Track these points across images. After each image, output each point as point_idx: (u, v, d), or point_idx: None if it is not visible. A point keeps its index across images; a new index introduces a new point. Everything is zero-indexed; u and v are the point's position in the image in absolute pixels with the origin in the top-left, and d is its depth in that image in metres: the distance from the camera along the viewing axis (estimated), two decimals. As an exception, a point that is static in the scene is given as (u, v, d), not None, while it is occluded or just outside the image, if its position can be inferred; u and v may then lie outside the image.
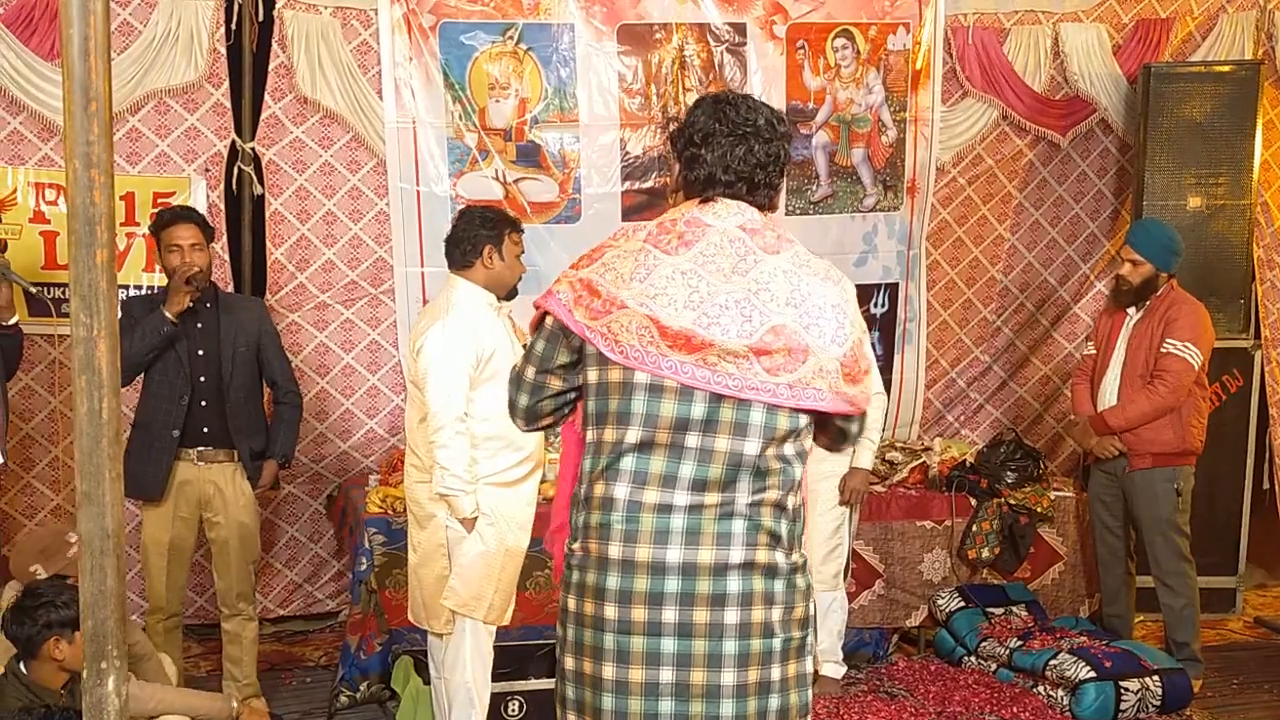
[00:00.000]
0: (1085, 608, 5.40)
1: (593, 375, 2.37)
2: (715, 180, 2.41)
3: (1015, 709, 4.59)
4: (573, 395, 2.47)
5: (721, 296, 2.28)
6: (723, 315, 2.27)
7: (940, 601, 5.21)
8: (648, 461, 2.32)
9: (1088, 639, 4.90)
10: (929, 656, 5.24)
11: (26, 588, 3.80)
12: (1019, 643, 4.89)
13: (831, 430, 2.41)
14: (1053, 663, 4.69)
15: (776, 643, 2.33)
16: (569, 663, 2.42)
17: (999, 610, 5.15)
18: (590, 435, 2.41)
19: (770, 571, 2.32)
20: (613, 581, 2.33)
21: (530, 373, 2.45)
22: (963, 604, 5.15)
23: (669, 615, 2.30)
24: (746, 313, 2.27)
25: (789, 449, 2.34)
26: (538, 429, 2.55)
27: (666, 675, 2.31)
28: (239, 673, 4.59)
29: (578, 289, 2.38)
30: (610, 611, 2.33)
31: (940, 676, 4.93)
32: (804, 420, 2.34)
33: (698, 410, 2.29)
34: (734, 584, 2.30)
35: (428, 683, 4.17)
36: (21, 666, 3.58)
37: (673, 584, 2.30)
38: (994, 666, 4.92)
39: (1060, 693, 4.64)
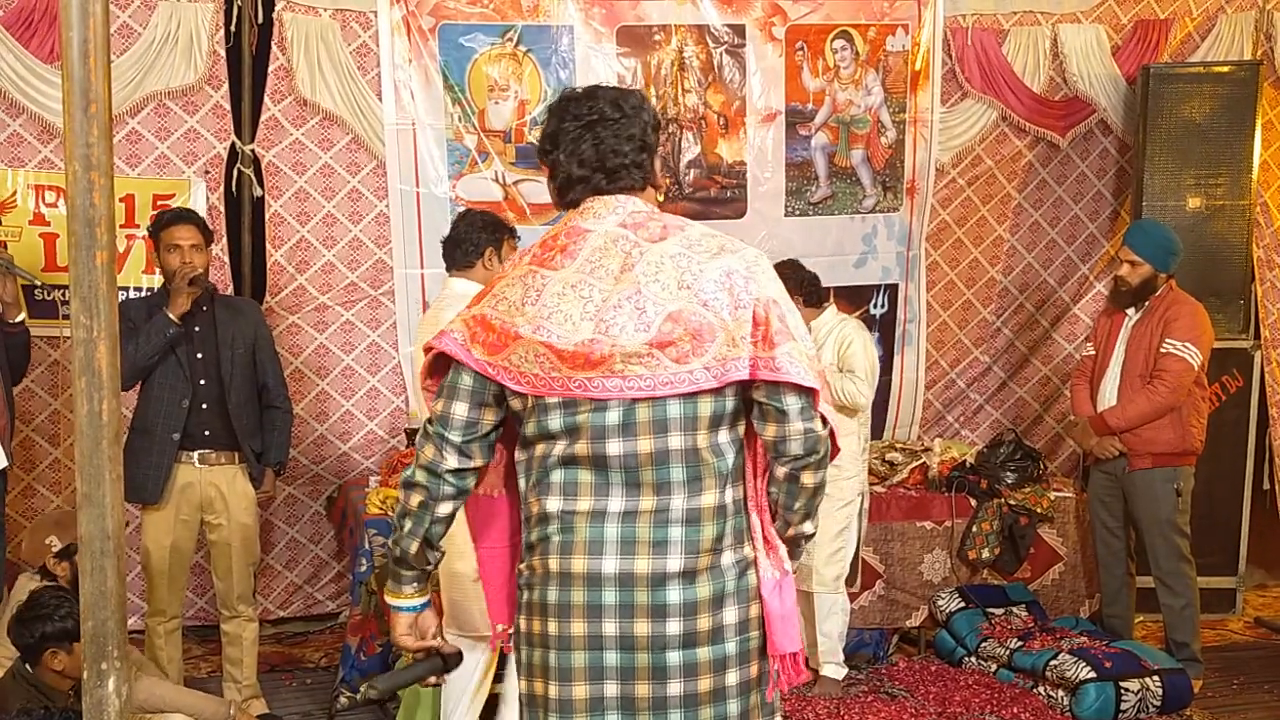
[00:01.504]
0: (1085, 608, 5.40)
1: (515, 403, 2.30)
2: (574, 179, 2.35)
3: (1015, 709, 4.59)
4: (493, 436, 2.35)
5: (615, 298, 2.21)
6: (619, 317, 2.19)
7: (940, 602, 5.21)
8: (575, 473, 2.25)
9: (1088, 639, 4.90)
10: (929, 657, 5.24)
11: (30, 596, 3.82)
12: (1019, 643, 4.89)
13: (768, 413, 2.21)
14: (1053, 663, 4.69)
15: (731, 646, 2.25)
16: (523, 686, 2.35)
17: (999, 611, 5.15)
18: (520, 455, 2.34)
19: (716, 575, 2.24)
20: (552, 595, 2.26)
21: (462, 409, 2.30)
22: (963, 604, 5.15)
23: (609, 628, 2.23)
24: (640, 305, 2.19)
25: (722, 436, 2.25)
26: (457, 475, 2.32)
27: (611, 689, 2.24)
28: (239, 674, 4.59)
29: (472, 326, 2.28)
30: (552, 627, 2.26)
31: (940, 677, 4.94)
32: (731, 402, 2.24)
33: (612, 416, 2.21)
34: (674, 594, 2.22)
35: (428, 684, 4.17)
36: (27, 667, 3.62)
37: (610, 596, 2.23)
38: (994, 667, 4.92)
39: (1060, 693, 4.64)
